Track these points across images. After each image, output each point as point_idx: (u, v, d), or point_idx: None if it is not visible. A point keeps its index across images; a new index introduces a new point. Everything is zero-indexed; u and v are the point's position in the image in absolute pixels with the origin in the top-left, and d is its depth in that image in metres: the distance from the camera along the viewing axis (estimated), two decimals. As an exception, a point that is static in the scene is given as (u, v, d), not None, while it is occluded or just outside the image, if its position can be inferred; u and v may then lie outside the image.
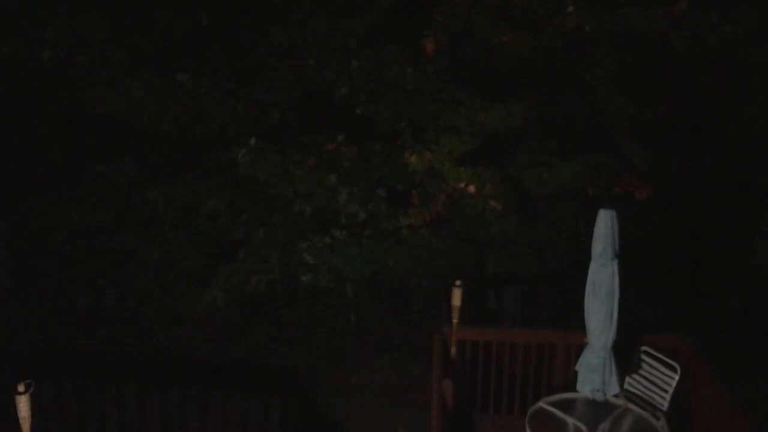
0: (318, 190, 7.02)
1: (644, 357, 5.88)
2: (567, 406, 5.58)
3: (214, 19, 7.50)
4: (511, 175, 7.06)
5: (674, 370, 5.66)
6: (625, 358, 5.76)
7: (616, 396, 5.61)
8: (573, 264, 6.30)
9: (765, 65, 6.79)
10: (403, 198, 7.18)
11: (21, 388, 3.46)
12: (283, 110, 7.36)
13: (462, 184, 6.69)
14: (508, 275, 8.54)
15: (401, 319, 9.07)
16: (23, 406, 3.48)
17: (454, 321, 5.92)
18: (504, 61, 7.08)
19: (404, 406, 7.38)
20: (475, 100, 6.85)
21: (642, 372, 5.86)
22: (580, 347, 5.63)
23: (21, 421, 3.53)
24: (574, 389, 5.65)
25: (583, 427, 5.25)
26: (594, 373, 5.43)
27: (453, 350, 6.02)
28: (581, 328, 5.52)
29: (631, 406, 5.66)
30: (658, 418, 5.60)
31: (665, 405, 5.66)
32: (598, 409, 5.52)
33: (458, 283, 5.85)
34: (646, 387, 5.82)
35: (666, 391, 5.68)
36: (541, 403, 5.66)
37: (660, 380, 5.74)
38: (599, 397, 5.48)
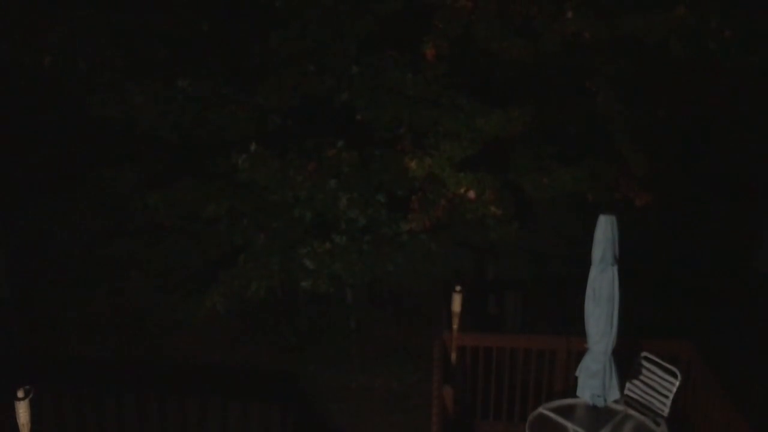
0: (318, 196, 7.01)
1: (644, 362, 5.87)
2: (567, 412, 5.57)
3: (214, 25, 7.51)
4: (511, 180, 7.06)
5: (674, 375, 5.65)
6: (625, 364, 5.76)
7: (616, 401, 5.61)
8: (573, 269, 6.30)
9: (764, 70, 6.80)
10: (403, 203, 7.18)
11: (20, 394, 3.45)
12: (284, 116, 7.36)
13: (462, 190, 6.69)
14: (508, 281, 8.55)
15: (401, 325, 9.06)
16: (22, 412, 3.47)
17: (454, 327, 5.92)
18: (504, 66, 7.09)
19: (404, 411, 7.37)
20: (475, 106, 6.85)
21: (642, 377, 5.85)
22: (581, 353, 5.63)
23: (20, 428, 3.52)
24: (574, 395, 5.65)
25: (584, 433, 5.25)
26: (594, 379, 5.43)
27: (453, 356, 6.02)
28: (581, 334, 5.52)
29: (631, 411, 5.65)
30: (658, 424, 5.59)
31: (665, 410, 5.65)
32: (599, 415, 5.52)
33: (458, 288, 5.85)
34: (646, 392, 5.81)
35: (666, 397, 5.67)
36: (541, 409, 5.66)
37: (660, 386, 5.73)
38: (599, 402, 5.47)
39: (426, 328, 8.44)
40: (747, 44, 6.55)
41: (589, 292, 5.39)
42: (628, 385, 5.88)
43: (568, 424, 5.40)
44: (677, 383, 5.63)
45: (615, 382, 5.46)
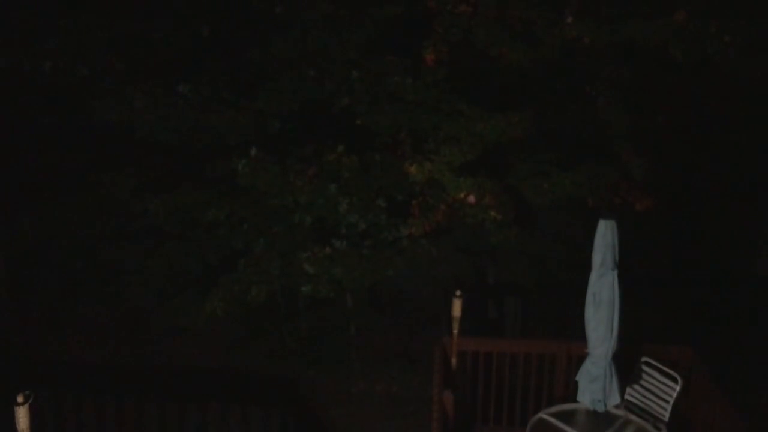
0: (318, 201, 7.02)
1: (645, 367, 5.86)
2: (568, 417, 5.56)
3: (214, 30, 7.52)
4: (511, 185, 7.06)
5: (675, 380, 5.65)
6: (625, 369, 5.75)
7: (616, 407, 5.60)
8: (573, 274, 6.31)
9: (764, 75, 6.81)
10: (403, 208, 7.18)
11: (20, 398, 3.44)
12: (284, 120, 7.37)
13: (462, 195, 6.70)
14: (508, 285, 8.54)
15: (401, 330, 9.05)
16: (22, 417, 3.46)
17: (455, 331, 5.92)
18: (504, 71, 7.10)
19: (404, 417, 7.36)
20: (475, 111, 6.86)
21: (643, 382, 5.85)
22: (581, 357, 5.63)
23: (20, 432, 3.51)
24: (574, 400, 5.64)
25: (584, 438, 5.24)
26: (595, 384, 5.42)
27: (453, 361, 6.01)
28: (582, 339, 5.51)
29: (631, 416, 5.64)
30: (659, 429, 5.58)
31: (666, 416, 5.65)
32: (599, 420, 5.51)
33: (458, 293, 5.85)
34: (646, 397, 5.81)
35: (667, 402, 5.66)
36: (541, 414, 5.65)
37: (661, 391, 5.72)
38: (600, 407, 5.47)
39: (426, 333, 8.44)
40: (746, 49, 6.56)
41: (589, 296, 5.38)
42: (628, 389, 5.87)
43: (569, 429, 5.39)
44: (678, 388, 5.62)
45: (615, 386, 5.45)
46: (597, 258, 5.31)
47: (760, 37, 6.58)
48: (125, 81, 7.12)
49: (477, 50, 6.90)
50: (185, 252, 7.56)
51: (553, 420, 5.52)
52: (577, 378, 5.57)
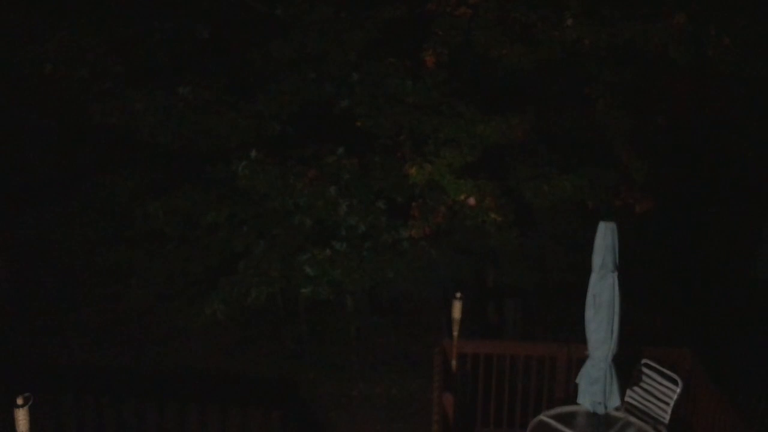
0: (318, 203, 7.02)
1: (645, 369, 5.86)
2: (568, 419, 5.56)
3: (215, 33, 7.53)
4: (511, 187, 7.06)
5: (675, 382, 5.64)
6: (625, 371, 5.75)
7: (617, 409, 5.59)
8: (573, 276, 6.31)
9: (763, 78, 6.82)
10: (404, 210, 7.18)
11: (20, 401, 3.44)
12: (284, 123, 7.37)
13: (462, 197, 6.70)
14: (508, 287, 8.54)
15: (401, 332, 9.05)
16: (22, 419, 3.46)
17: (455, 334, 5.91)
18: (504, 74, 7.11)
19: (405, 419, 7.35)
20: (475, 113, 6.86)
21: (643, 384, 5.84)
22: (581, 360, 5.62)
23: (20, 435, 3.51)
24: (574, 402, 5.64)
25: (584, 441, 5.24)
26: (595, 386, 5.42)
27: (454, 363, 6.01)
28: (582, 341, 5.51)
29: (632, 418, 5.64)
30: (659, 431, 5.57)
31: (666, 418, 5.64)
32: (599, 422, 5.51)
33: (458, 295, 5.85)
34: (647, 399, 5.80)
35: (667, 404, 5.66)
36: (541, 416, 5.64)
37: (661, 393, 5.72)
38: (600, 409, 5.46)
39: (426, 335, 8.44)
40: (746, 51, 6.56)
41: (589, 298, 5.38)
42: (628, 392, 5.87)
43: (569, 432, 5.39)
44: (678, 390, 5.62)
45: (615, 389, 5.45)
46: (597, 260, 5.31)
47: (760, 39, 6.59)
48: (125, 83, 7.13)
49: (477, 52, 6.91)
50: (185, 254, 7.56)
51: (553, 422, 5.51)
52: (578, 380, 5.57)
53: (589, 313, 5.38)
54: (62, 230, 8.28)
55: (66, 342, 8.64)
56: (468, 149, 6.77)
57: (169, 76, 7.28)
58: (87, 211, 8.07)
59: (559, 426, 5.46)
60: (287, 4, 7.25)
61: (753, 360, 7.85)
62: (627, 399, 5.85)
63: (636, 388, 5.87)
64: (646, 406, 5.78)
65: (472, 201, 6.68)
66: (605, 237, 5.27)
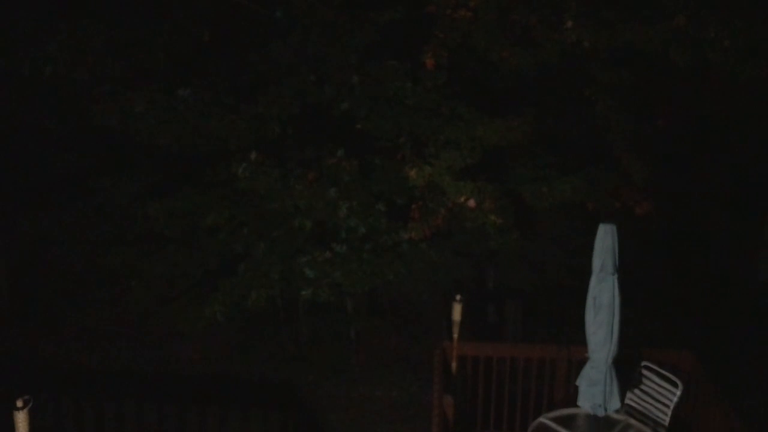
0: (318, 205, 7.02)
1: (645, 372, 5.85)
2: (568, 422, 5.55)
3: (215, 35, 7.53)
4: (511, 189, 7.06)
5: (675, 385, 5.64)
6: (626, 373, 5.74)
7: (617, 411, 5.58)
8: (573, 278, 6.31)
9: (763, 80, 6.82)
10: (403, 212, 7.18)
11: (19, 403, 3.44)
12: (284, 125, 7.37)
13: (462, 199, 6.70)
14: (508, 290, 8.53)
15: (401, 334, 9.05)
16: (21, 422, 3.45)
17: (455, 336, 5.91)
18: (503, 76, 7.11)
19: (405, 421, 7.35)
20: (474, 115, 6.86)
21: (643, 387, 5.84)
22: (581, 362, 5.61)
23: (19, 437, 3.50)
24: (575, 404, 5.63)
25: (584, 443, 5.23)
26: (595, 388, 5.41)
27: (454, 365, 6.00)
28: (582, 343, 5.50)
29: (632, 421, 5.63)
30: (659, 434, 5.57)
31: (666, 420, 5.64)
32: (599, 425, 5.50)
33: (458, 297, 5.84)
34: (647, 402, 5.80)
35: (667, 407, 5.65)
36: (542, 419, 5.64)
37: (661, 395, 5.71)
38: (600, 412, 5.45)
39: (426, 338, 8.43)
40: (746, 53, 6.56)
41: (589, 301, 5.37)
42: (628, 394, 5.86)
43: (569, 434, 5.39)
44: (678, 393, 5.61)
45: (616, 391, 5.44)
46: (597, 262, 5.31)
47: (760, 41, 6.59)
48: (125, 85, 7.13)
49: (477, 55, 6.91)
50: (185, 256, 7.56)
51: (553, 424, 5.51)
52: (578, 382, 5.56)
53: (589, 315, 5.37)
54: (62, 232, 8.29)
55: (66, 344, 8.64)
56: (468, 151, 6.77)
57: (169, 78, 7.29)
58: (87, 213, 8.08)
59: (559, 428, 5.45)
60: (287, 7, 7.25)
61: (754, 362, 7.85)
62: (627, 401, 5.84)
63: (636, 391, 5.86)
64: (647, 409, 5.78)
65: (472, 203, 6.68)
66: (605, 239, 5.26)
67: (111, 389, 6.91)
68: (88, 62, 7.05)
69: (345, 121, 7.26)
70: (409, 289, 8.36)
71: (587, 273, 5.39)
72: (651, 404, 5.76)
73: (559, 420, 5.56)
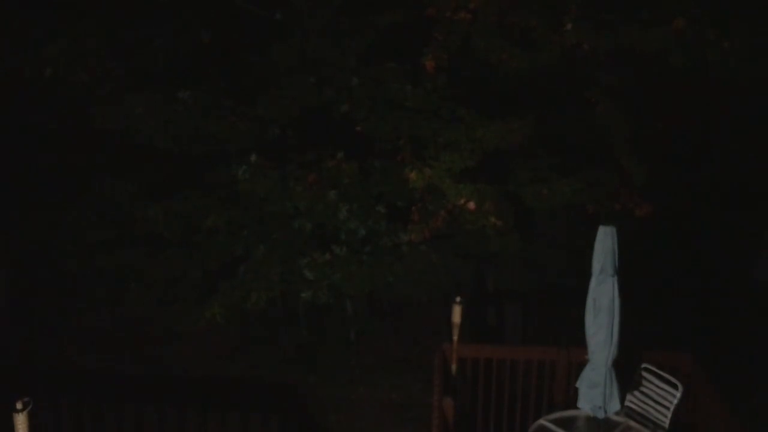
0: (318, 207, 7.03)
1: (645, 374, 5.85)
2: (568, 424, 5.55)
3: (215, 37, 7.54)
4: (511, 191, 7.07)
5: (675, 387, 5.63)
6: (626, 375, 5.74)
7: (617, 413, 5.58)
8: (573, 280, 6.30)
9: (763, 82, 6.82)
10: (403, 214, 7.19)
11: (19, 405, 3.44)
12: (284, 127, 7.38)
13: (462, 201, 6.70)
14: (508, 292, 8.53)
15: (401, 336, 9.05)
16: (21, 424, 3.45)
17: (455, 338, 5.91)
18: (503, 78, 7.12)
19: (404, 423, 7.34)
20: (474, 117, 6.87)
21: (643, 389, 5.83)
22: (581, 364, 5.61)
23: (18, 440, 3.50)
24: (575, 406, 5.63)
25: (584, 445, 5.23)
26: (595, 390, 5.41)
27: (453, 367, 6.01)
28: (582, 345, 5.50)
29: (632, 423, 5.63)
30: (659, 436, 5.57)
31: (666, 422, 5.63)
32: (599, 427, 5.50)
33: (458, 299, 5.84)
34: (647, 404, 5.79)
35: (667, 408, 5.65)
36: (541, 421, 5.64)
37: (661, 397, 5.71)
38: (600, 414, 5.45)
39: (426, 339, 8.42)
40: (746, 55, 6.57)
41: (588, 302, 5.38)
42: (628, 396, 5.86)
43: (569, 436, 5.39)
44: (678, 395, 5.61)
45: (616, 393, 5.44)
46: (597, 264, 5.31)
47: (759, 43, 6.60)
48: (125, 87, 7.14)
49: (477, 57, 6.92)
50: (185, 258, 7.56)
51: (553, 426, 5.51)
52: (577, 384, 5.56)
53: (589, 317, 5.37)
54: (62, 234, 8.28)
55: (65, 346, 8.63)
56: (468, 153, 6.78)
57: (169, 80, 7.30)
58: (87, 215, 8.07)
59: (559, 430, 5.45)
60: (287, 9, 7.26)
61: (754, 364, 7.84)
62: (627, 403, 5.84)
63: (636, 393, 5.86)
64: (646, 411, 5.77)
65: (471, 205, 6.69)
66: (605, 241, 5.27)
67: (110, 391, 6.89)
68: (88, 64, 7.07)
69: (345, 124, 7.26)
70: (409, 291, 8.36)
71: (587, 275, 5.39)
72: (651, 406, 5.76)
73: (558, 422, 5.56)
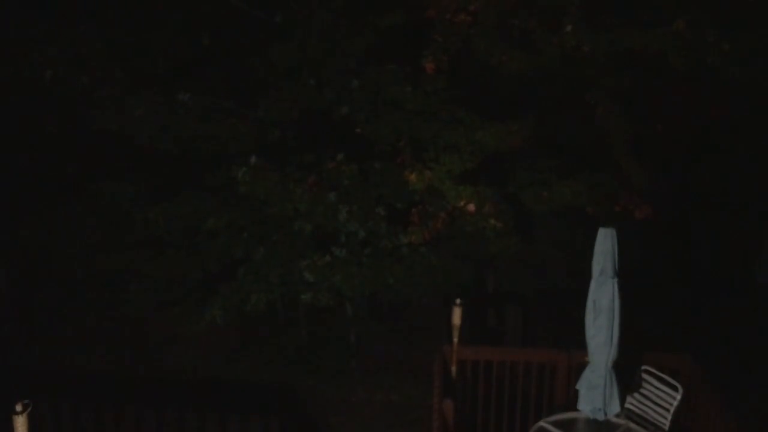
0: (318, 209, 7.02)
1: (645, 376, 5.85)
2: (568, 426, 5.55)
3: (215, 39, 7.55)
4: (511, 193, 7.07)
5: (675, 389, 5.63)
6: (626, 377, 5.74)
7: (617, 415, 5.58)
8: (573, 282, 6.30)
9: (762, 84, 6.83)
10: (403, 216, 7.19)
11: (19, 407, 3.43)
12: (284, 129, 7.39)
13: (462, 203, 6.70)
14: (508, 294, 8.53)
15: (401, 338, 9.04)
16: (21, 426, 3.45)
17: (455, 340, 5.90)
18: (503, 80, 7.12)
19: (404, 425, 7.34)
20: (474, 119, 6.87)
21: (643, 391, 5.83)
22: (581, 366, 5.61)
23: (18, 442, 3.50)
24: (575, 408, 5.63)
25: (585, 447, 5.22)
26: (595, 392, 5.41)
27: (453, 369, 6.00)
28: (582, 347, 5.50)
29: (632, 425, 5.63)
30: (659, 438, 5.56)
31: (666, 424, 5.63)
32: (599, 429, 5.50)
33: (458, 301, 5.84)
34: (647, 406, 5.79)
35: (667, 410, 5.64)
36: (541, 423, 5.63)
37: (661, 399, 5.71)
38: (600, 416, 5.45)
39: (426, 341, 8.42)
40: (746, 57, 6.57)
41: (589, 304, 5.37)
42: (628, 398, 5.86)
43: (569, 438, 5.38)
44: (678, 397, 5.61)
45: (616, 395, 5.44)
46: (597, 266, 5.31)
47: (759, 45, 6.60)
48: (125, 90, 7.14)
49: (477, 59, 6.92)
50: (185, 260, 7.56)
51: (553, 428, 5.50)
52: (578, 386, 5.56)
53: (589, 319, 5.37)
54: (62, 236, 8.28)
55: (65, 347, 8.63)
56: (467, 155, 6.78)
57: (169, 82, 7.31)
58: (87, 217, 8.08)
59: (559, 432, 5.45)
60: (287, 11, 7.27)
61: (754, 366, 7.84)
62: (627, 405, 5.84)
63: (636, 395, 5.86)
64: (646, 413, 5.77)
65: (471, 207, 6.69)
66: (605, 243, 5.27)
67: (110, 393, 6.89)
68: (89, 66, 7.07)
69: (345, 125, 7.27)
70: (409, 293, 8.36)
71: (587, 276, 5.39)
72: (651, 408, 5.76)
73: (559, 424, 5.56)
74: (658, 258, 9.40)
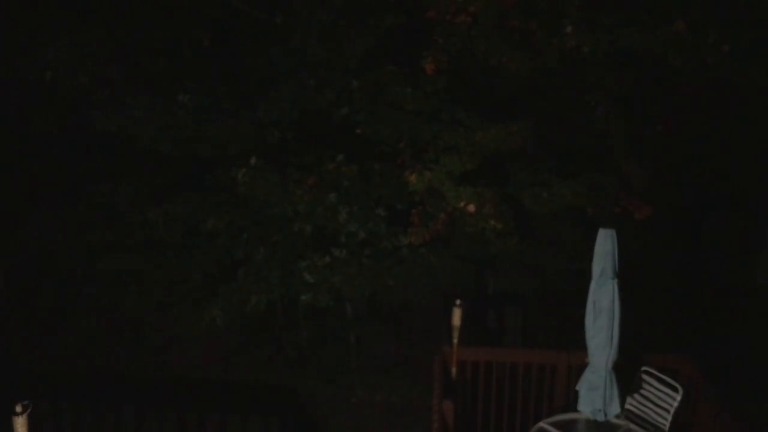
0: (318, 210, 7.02)
1: (645, 377, 5.84)
2: (568, 427, 5.54)
3: (215, 40, 7.55)
4: (511, 194, 7.07)
5: (676, 390, 5.63)
6: (626, 378, 5.73)
7: (617, 416, 5.58)
8: (573, 283, 6.30)
9: (762, 85, 6.83)
10: (403, 217, 7.18)
11: (18, 408, 3.43)
12: (283, 130, 7.38)
13: (462, 204, 6.70)
14: (508, 294, 8.53)
15: (401, 339, 9.04)
16: (20, 427, 3.45)
17: (455, 341, 5.90)
18: (503, 81, 7.13)
19: (404, 426, 7.34)
20: (474, 120, 6.87)
21: (643, 392, 5.83)
22: (581, 367, 5.61)
23: (18, 443, 3.50)
24: (575, 409, 5.62)
25: (585, 448, 5.22)
26: (595, 393, 5.41)
27: (453, 370, 6.00)
28: (582, 348, 5.50)
29: (632, 426, 5.62)
30: (659, 439, 5.56)
31: (667, 425, 5.62)
32: (600, 430, 5.49)
33: (458, 302, 5.84)
34: (647, 407, 5.78)
35: (668, 411, 5.64)
36: (541, 424, 5.63)
37: (661, 400, 5.70)
38: (600, 417, 5.45)
39: (426, 342, 8.41)
40: (745, 58, 6.58)
41: (589, 305, 5.37)
42: (628, 399, 5.85)
43: (569, 439, 5.38)
44: (678, 398, 5.60)
45: (616, 396, 5.44)
46: (597, 267, 5.31)
47: (759, 46, 6.60)
48: (125, 90, 7.14)
49: (477, 60, 6.92)
50: (185, 261, 7.56)
51: (553, 429, 5.50)
52: (578, 387, 5.55)
53: (589, 319, 5.37)
54: (62, 237, 8.28)
55: (65, 348, 8.62)
56: (468, 156, 6.78)
57: (169, 83, 7.30)
58: (87, 218, 8.07)
59: (559, 433, 5.45)
60: (287, 11, 7.27)
61: (754, 366, 7.83)
62: (627, 406, 5.83)
63: (636, 395, 5.85)
64: (647, 413, 5.77)
65: (471, 208, 6.68)
66: (605, 244, 5.26)
67: (110, 394, 6.89)
68: (88, 67, 7.07)
69: (345, 126, 7.26)
70: (409, 293, 8.37)
71: (587, 277, 5.39)
72: (651, 409, 5.75)
73: (559, 425, 5.56)
74: (658, 258, 9.40)
